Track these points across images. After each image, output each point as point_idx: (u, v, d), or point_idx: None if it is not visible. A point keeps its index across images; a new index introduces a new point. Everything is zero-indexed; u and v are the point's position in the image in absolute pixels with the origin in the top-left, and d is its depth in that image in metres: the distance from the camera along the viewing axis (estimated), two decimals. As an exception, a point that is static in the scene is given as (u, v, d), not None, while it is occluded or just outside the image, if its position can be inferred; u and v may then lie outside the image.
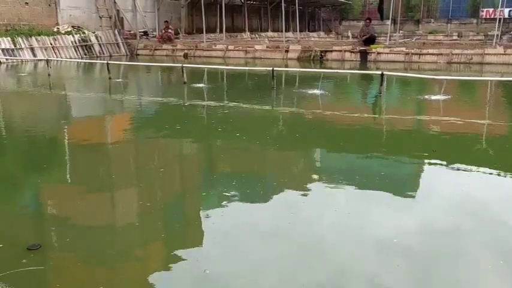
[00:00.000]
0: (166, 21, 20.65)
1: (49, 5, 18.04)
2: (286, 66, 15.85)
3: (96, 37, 19.07)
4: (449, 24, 32.50)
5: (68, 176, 4.72)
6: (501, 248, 3.05)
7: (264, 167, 5.14)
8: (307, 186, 4.29)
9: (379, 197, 3.96)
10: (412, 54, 15.91)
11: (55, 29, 17.87)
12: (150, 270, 2.89)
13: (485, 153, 5.54)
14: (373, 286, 2.65)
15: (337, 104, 9.04)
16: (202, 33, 20.36)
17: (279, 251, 3.02)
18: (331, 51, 17.11)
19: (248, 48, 18.37)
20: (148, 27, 21.81)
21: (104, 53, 19.08)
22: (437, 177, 4.57)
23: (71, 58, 17.26)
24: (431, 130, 6.62)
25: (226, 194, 4.01)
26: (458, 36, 27.77)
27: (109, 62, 12.29)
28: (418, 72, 13.43)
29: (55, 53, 17.07)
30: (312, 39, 26.97)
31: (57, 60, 16.23)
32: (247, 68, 14.10)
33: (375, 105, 9.06)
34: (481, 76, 13.21)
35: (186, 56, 18.67)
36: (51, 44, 17.13)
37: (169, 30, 20.03)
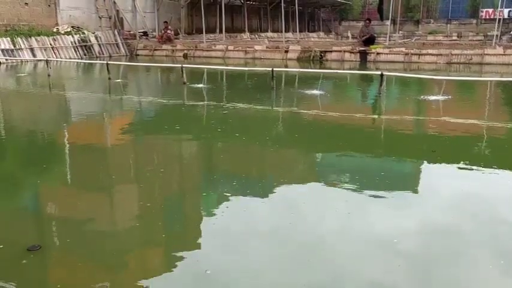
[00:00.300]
0: (165, 22, 20.65)
1: (49, 5, 18.04)
2: (286, 66, 15.86)
3: (96, 37, 19.07)
4: (448, 25, 32.52)
5: (68, 176, 4.72)
6: (501, 248, 3.05)
7: (263, 168, 5.14)
8: (307, 186, 4.30)
9: (379, 197, 3.96)
10: (412, 54, 15.92)
11: (55, 30, 17.87)
12: (150, 270, 2.89)
13: (484, 153, 5.54)
14: (374, 286, 2.65)
15: (337, 105, 9.04)
16: (202, 33, 20.37)
17: (280, 251, 3.02)
18: (331, 51, 17.12)
19: (248, 49, 18.38)
20: (148, 28, 21.81)
21: (103, 54, 19.07)
22: (437, 177, 4.57)
23: (70, 58, 17.26)
24: (431, 130, 6.62)
25: (227, 194, 4.02)
26: (457, 36, 27.80)
27: (109, 62, 12.29)
28: (418, 72, 13.43)
29: (55, 53, 17.07)
30: (312, 39, 26.98)
31: (56, 61, 16.22)
32: (246, 68, 14.10)
33: (374, 106, 9.06)
34: (481, 76, 13.21)
35: (185, 56, 18.67)
36: (50, 45, 17.13)
37: (169, 31, 20.02)
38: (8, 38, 15.82)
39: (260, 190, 4.19)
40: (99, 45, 19.11)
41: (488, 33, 24.63)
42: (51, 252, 3.08)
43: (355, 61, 16.47)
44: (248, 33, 26.43)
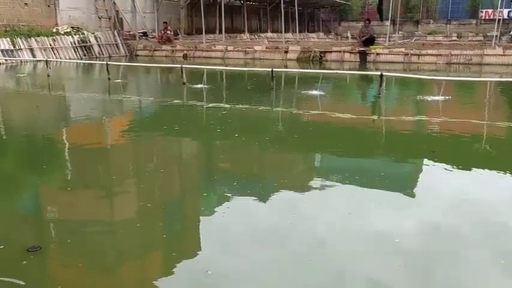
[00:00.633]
0: (165, 22, 20.65)
1: (48, 5, 18.04)
2: (286, 67, 15.87)
3: (96, 38, 19.07)
4: (448, 25, 32.53)
5: (68, 177, 4.72)
6: (501, 249, 3.05)
7: (263, 168, 5.14)
8: (308, 186, 4.30)
9: (380, 197, 3.96)
10: (412, 55, 15.93)
11: (54, 30, 17.87)
12: (151, 271, 2.89)
13: (484, 153, 5.54)
14: (375, 286, 2.65)
15: (337, 105, 9.05)
16: (202, 34, 20.36)
17: (281, 251, 3.02)
18: (331, 52, 17.13)
19: (247, 49, 18.38)
20: (148, 28, 21.81)
21: (103, 54, 19.08)
22: (436, 178, 4.57)
23: (70, 59, 17.26)
24: (431, 131, 6.63)
25: (227, 194, 4.02)
26: (457, 36, 27.81)
27: (108, 62, 12.29)
28: (417, 73, 13.44)
29: (54, 53, 17.07)
30: (312, 40, 26.98)
31: (56, 61, 16.22)
32: (246, 68, 14.11)
33: (374, 106, 9.06)
34: (480, 77, 13.22)
35: (185, 56, 18.67)
36: (50, 45, 17.13)
37: (168, 31, 20.03)
38: (8, 39, 15.83)
39: (260, 190, 4.19)
40: (99, 45, 19.12)
41: (488, 34, 24.63)
42: (51, 253, 3.08)
43: (355, 61, 16.47)
44: (248, 34, 26.44)
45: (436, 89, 9.23)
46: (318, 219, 3.54)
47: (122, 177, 4.68)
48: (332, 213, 3.63)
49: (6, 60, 15.29)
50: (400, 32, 27.95)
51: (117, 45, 19.94)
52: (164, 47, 19.53)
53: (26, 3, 17.19)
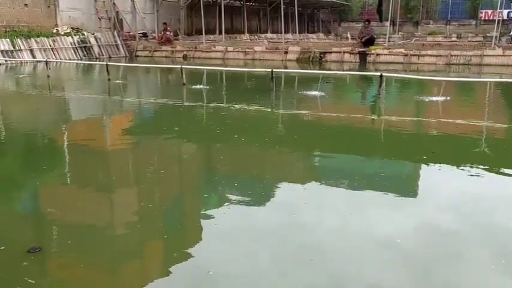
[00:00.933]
0: (164, 23, 20.65)
1: (48, 6, 18.04)
2: (286, 67, 15.88)
3: (96, 38, 19.08)
4: (448, 26, 32.55)
5: (68, 178, 4.72)
6: (501, 249, 3.06)
7: (264, 169, 5.14)
8: (308, 187, 4.30)
9: (380, 198, 3.97)
10: (411, 55, 15.94)
11: (54, 31, 17.87)
12: (153, 272, 2.90)
13: (483, 154, 5.55)
14: (378, 287, 2.66)
15: (336, 106, 9.05)
16: (202, 34, 20.37)
17: (282, 252, 3.02)
18: (330, 52, 17.13)
19: (247, 50, 18.38)
20: (148, 29, 21.82)
21: (103, 55, 19.08)
22: (436, 178, 4.58)
23: (70, 59, 17.26)
24: (430, 131, 6.63)
25: (228, 195, 4.02)
26: (457, 37, 27.81)
27: (108, 63, 12.30)
28: (417, 73, 13.45)
29: (54, 54, 17.08)
30: (311, 40, 27.00)
31: (56, 62, 16.23)
32: (246, 69, 14.11)
33: (374, 107, 9.06)
34: (480, 77, 13.23)
35: (185, 57, 18.68)
36: (50, 46, 17.13)
37: (168, 32, 20.03)
38: (8, 39, 15.83)
39: (261, 191, 4.20)
40: (99, 46, 19.12)
41: (488, 34, 24.66)
42: (52, 254, 3.08)
43: (355, 62, 16.48)
44: (248, 34, 26.45)
45: (436, 89, 9.23)
46: (318, 219, 3.54)
47: (122, 178, 4.68)
48: (333, 214, 3.64)
49: (6, 60, 15.29)
50: (399, 33, 27.97)
51: (117, 46, 19.95)
52: (164, 47, 19.54)
53: (25, 4, 17.19)
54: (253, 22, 30.25)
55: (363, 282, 2.70)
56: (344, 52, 16.85)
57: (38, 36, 16.88)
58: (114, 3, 20.38)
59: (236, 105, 8.48)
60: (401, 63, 15.77)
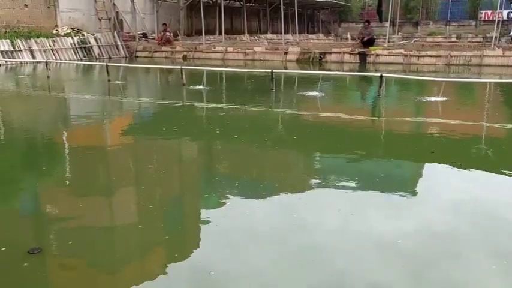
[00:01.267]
0: (164, 24, 20.65)
1: (48, 7, 18.05)
2: (285, 68, 15.89)
3: (96, 39, 19.08)
4: (448, 26, 32.57)
5: (68, 178, 4.71)
6: (501, 249, 3.06)
7: (264, 169, 5.14)
8: (308, 188, 4.30)
9: (380, 198, 3.97)
10: (411, 56, 15.95)
11: (54, 31, 17.88)
12: (153, 273, 2.89)
13: (483, 154, 5.55)
14: (378, 287, 2.66)
15: (336, 106, 9.05)
16: (202, 35, 20.38)
17: (283, 252, 3.02)
18: (330, 53, 17.14)
19: (247, 50, 18.39)
20: (148, 29, 21.83)
21: (103, 55, 19.09)
22: (436, 178, 4.58)
23: (70, 60, 17.27)
24: (430, 132, 6.63)
25: (228, 196, 4.02)
26: (457, 38, 27.80)
27: (108, 64, 12.31)
28: (417, 74, 13.45)
29: (54, 55, 17.08)
30: (311, 41, 27.00)
31: (56, 62, 16.23)
32: (246, 69, 14.11)
33: (373, 107, 9.07)
34: (480, 78, 13.23)
35: (185, 57, 18.69)
36: (50, 46, 17.14)
37: (168, 33, 20.04)
38: (8, 40, 15.84)
39: (261, 191, 4.19)
40: (99, 46, 19.13)
41: (487, 35, 24.67)
42: (52, 254, 3.08)
43: (355, 62, 16.49)
44: (247, 35, 26.45)
45: (436, 90, 9.24)
46: (319, 220, 3.54)
47: (122, 179, 4.68)
48: (333, 214, 3.64)
49: (6, 61, 15.30)
50: (399, 33, 27.97)
51: (116, 46, 19.96)
52: (164, 48, 19.55)
53: (25, 5, 17.19)
54: (253, 23, 30.27)
55: (363, 282, 2.70)
56: (344, 53, 16.86)
57: (38, 37, 16.89)
58: (114, 4, 20.40)
59: (236, 106, 8.48)
60: (401, 63, 15.78)
